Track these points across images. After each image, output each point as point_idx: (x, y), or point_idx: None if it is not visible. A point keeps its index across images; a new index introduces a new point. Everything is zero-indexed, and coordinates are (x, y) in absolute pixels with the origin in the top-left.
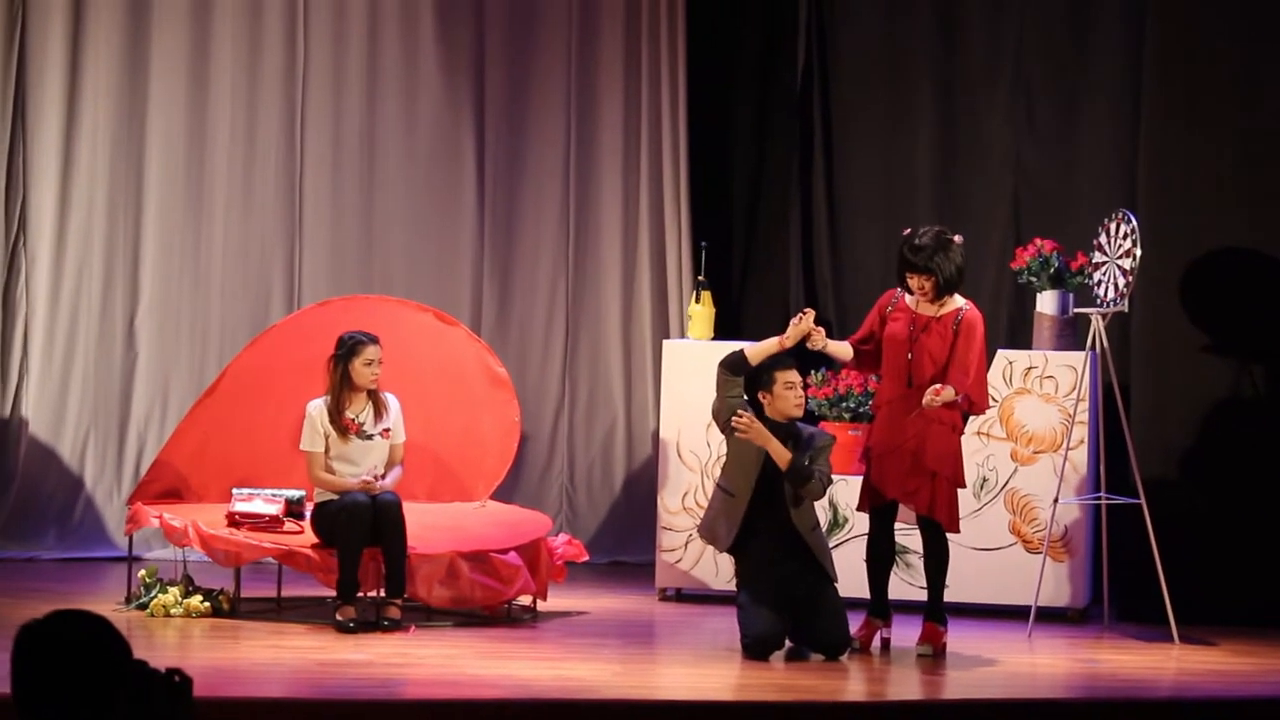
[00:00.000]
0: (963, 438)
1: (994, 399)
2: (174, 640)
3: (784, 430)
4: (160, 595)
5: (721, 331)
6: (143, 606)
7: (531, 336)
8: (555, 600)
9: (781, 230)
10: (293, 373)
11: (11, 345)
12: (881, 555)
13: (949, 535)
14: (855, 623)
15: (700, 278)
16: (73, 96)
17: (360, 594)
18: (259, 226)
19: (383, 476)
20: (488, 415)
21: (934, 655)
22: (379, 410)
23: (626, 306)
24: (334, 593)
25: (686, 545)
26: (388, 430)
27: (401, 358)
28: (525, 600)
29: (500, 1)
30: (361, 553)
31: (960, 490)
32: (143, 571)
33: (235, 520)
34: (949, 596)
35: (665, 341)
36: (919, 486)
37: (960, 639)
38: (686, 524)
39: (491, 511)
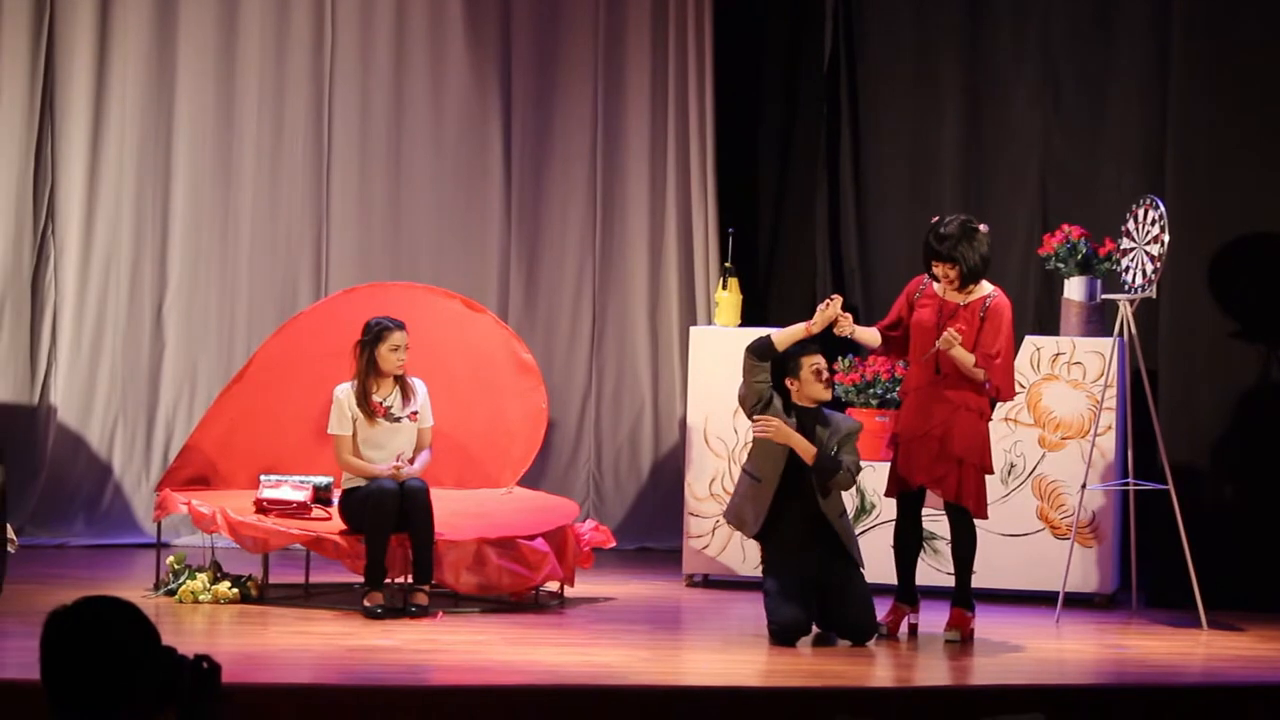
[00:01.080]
0: (991, 424)
1: (1021, 385)
2: (202, 626)
3: (811, 415)
4: (188, 581)
5: (748, 318)
6: (171, 593)
7: (558, 323)
8: (582, 586)
9: (808, 216)
10: (320, 359)
11: (40, 333)
12: (909, 542)
13: (977, 521)
14: (883, 609)
15: (727, 264)
16: (100, 86)
17: (388, 580)
18: (286, 214)
19: (411, 461)
20: (515, 402)
21: (961, 641)
22: (406, 394)
23: (653, 293)
24: (362, 579)
25: (714, 531)
26: (415, 414)
27: (429, 345)
28: (552, 586)
29: None
30: (389, 539)
31: (988, 476)
32: (171, 558)
33: (263, 507)
34: (977, 582)
35: (692, 328)
36: (946, 473)
37: (988, 625)
38: (713, 510)
39: (519, 498)
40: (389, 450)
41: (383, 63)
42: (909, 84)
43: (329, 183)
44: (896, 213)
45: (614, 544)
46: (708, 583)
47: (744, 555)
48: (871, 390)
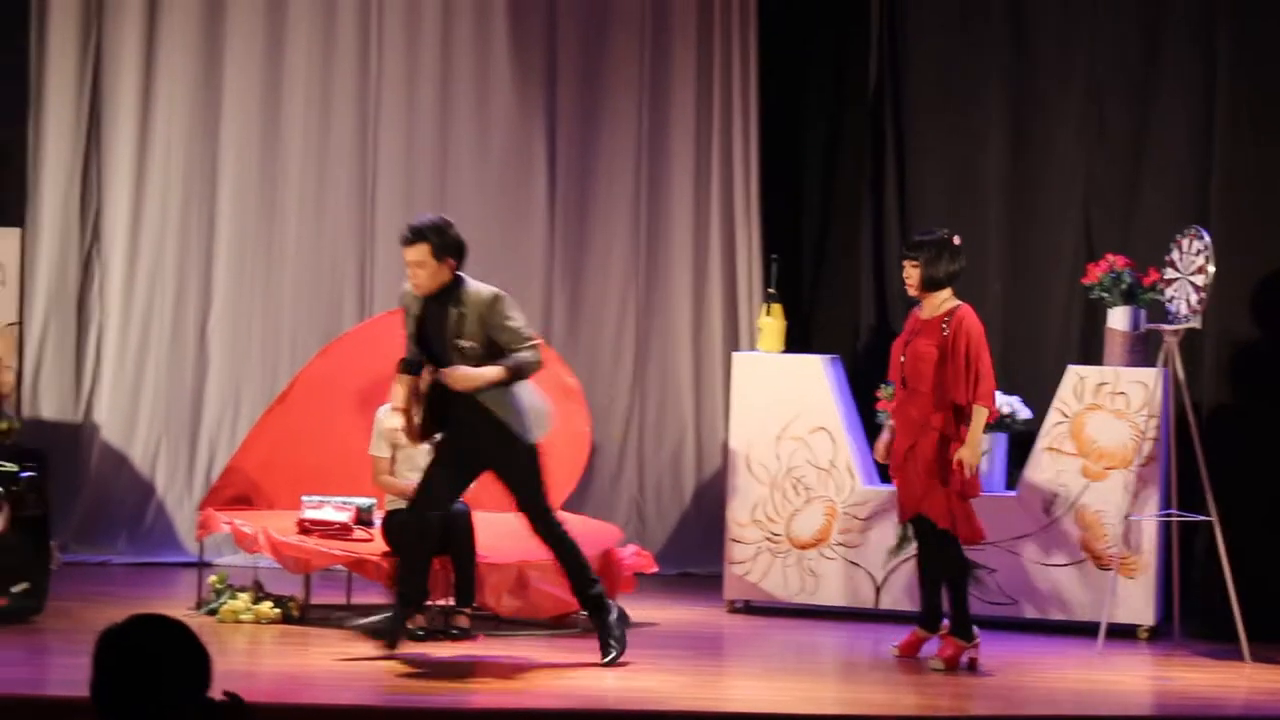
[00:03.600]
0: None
1: (1064, 414)
2: (243, 646)
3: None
4: (230, 601)
5: (792, 344)
6: (213, 612)
7: (601, 347)
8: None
9: (853, 243)
10: (363, 380)
11: (85, 351)
12: (928, 567)
13: (973, 544)
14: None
15: (770, 290)
16: (146, 107)
17: (429, 603)
18: (331, 234)
19: None
20: (558, 425)
21: (946, 669)
22: None
23: (696, 318)
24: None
25: (756, 557)
26: None
27: None
28: None
29: (572, 13)
30: (431, 561)
31: (973, 499)
32: (213, 577)
33: (305, 527)
34: (1017, 612)
35: (735, 354)
36: (924, 493)
37: (1030, 655)
38: (756, 536)
39: (561, 522)
40: None
41: (427, 83)
42: (953, 111)
43: (373, 203)
44: None
45: (656, 569)
46: (749, 608)
47: (785, 580)
48: None
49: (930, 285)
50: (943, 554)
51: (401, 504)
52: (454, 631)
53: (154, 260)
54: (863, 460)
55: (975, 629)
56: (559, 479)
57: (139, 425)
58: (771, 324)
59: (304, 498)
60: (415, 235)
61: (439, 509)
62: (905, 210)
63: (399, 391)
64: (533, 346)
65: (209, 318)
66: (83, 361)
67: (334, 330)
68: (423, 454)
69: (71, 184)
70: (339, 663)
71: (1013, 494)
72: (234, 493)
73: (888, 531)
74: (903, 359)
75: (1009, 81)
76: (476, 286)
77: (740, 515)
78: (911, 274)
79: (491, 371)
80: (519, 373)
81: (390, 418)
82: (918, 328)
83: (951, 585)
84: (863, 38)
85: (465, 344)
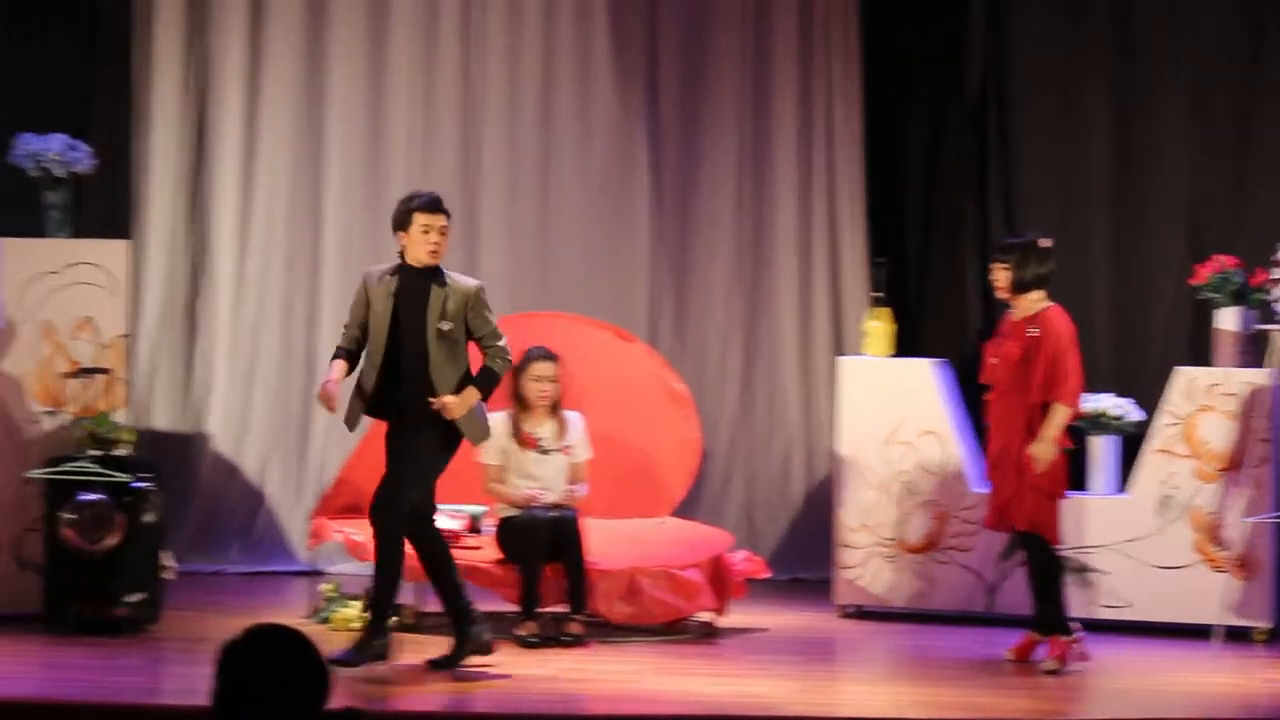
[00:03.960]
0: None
1: (1176, 416)
2: None
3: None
4: (342, 609)
5: (899, 348)
6: (325, 620)
7: (708, 353)
8: (735, 617)
9: (958, 246)
10: None
11: (195, 362)
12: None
13: (1051, 545)
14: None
15: (877, 293)
16: (252, 120)
17: (541, 610)
18: None
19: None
20: (667, 432)
21: (1059, 668)
22: (561, 427)
23: (802, 323)
24: (515, 608)
25: (867, 562)
26: (568, 448)
27: (580, 374)
28: (705, 616)
29: (674, 17)
30: (543, 569)
31: (1059, 500)
32: (325, 585)
33: None
34: (1132, 615)
35: (842, 358)
36: (1010, 496)
37: (1144, 658)
38: (866, 540)
39: (672, 528)
40: (540, 482)
41: (529, 88)
42: (1057, 112)
43: (478, 215)
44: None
45: (767, 574)
46: (861, 613)
47: (897, 585)
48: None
49: (1019, 287)
50: (1033, 555)
51: (512, 512)
52: (566, 638)
53: (262, 269)
54: (972, 463)
55: (1072, 623)
56: (669, 485)
57: (250, 434)
58: (878, 328)
59: None
60: (443, 204)
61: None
62: (1010, 211)
63: (339, 369)
64: (504, 351)
65: (318, 326)
66: (193, 372)
67: None
68: (531, 461)
69: (179, 195)
70: (450, 671)
71: (1125, 496)
72: (345, 501)
73: (999, 534)
74: (993, 361)
75: (1112, 81)
76: (455, 273)
77: (850, 520)
78: (1001, 276)
79: (475, 395)
80: (492, 386)
81: (500, 425)
82: (1008, 330)
83: (1041, 585)
84: (965, 39)
85: (446, 326)
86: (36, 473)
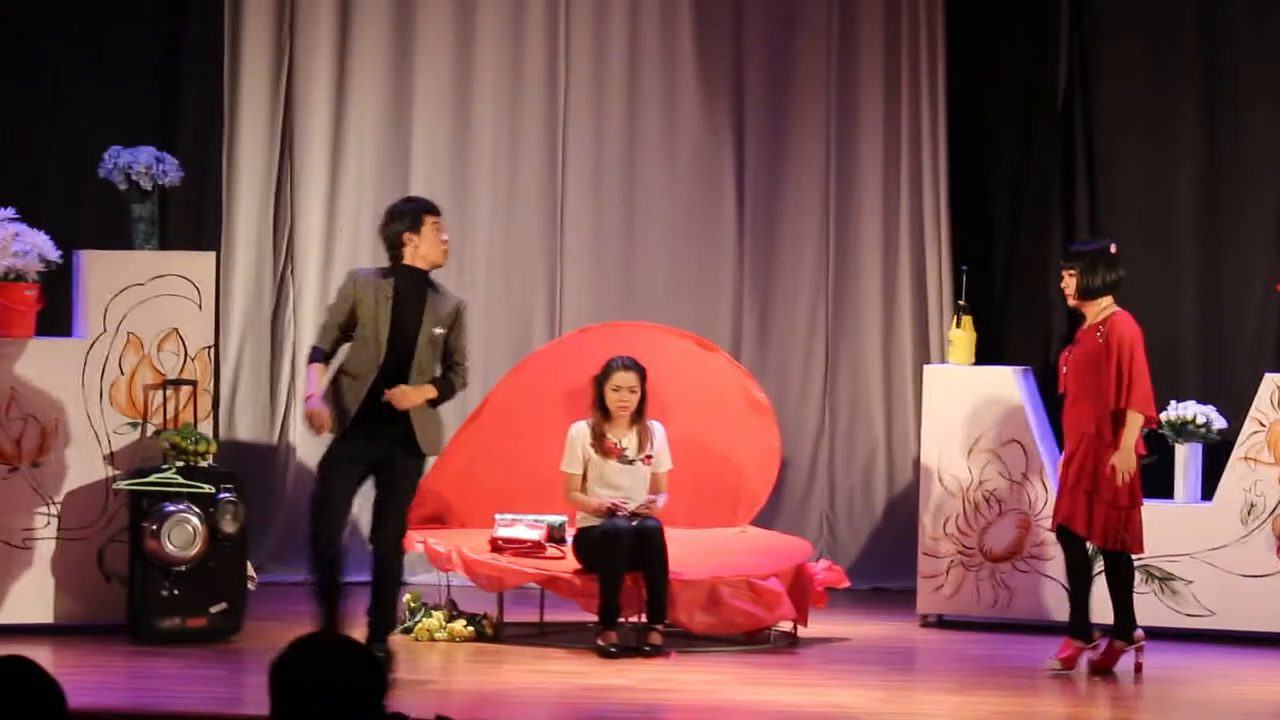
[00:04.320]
0: (1148, 456)
1: (1261, 422)
2: (438, 664)
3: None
4: (425, 619)
5: (983, 356)
6: (408, 630)
7: (791, 362)
8: (816, 626)
9: (1044, 254)
10: (554, 399)
11: (280, 372)
12: (1080, 575)
13: (1132, 555)
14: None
15: (961, 301)
16: (338, 129)
17: (622, 619)
18: (520, 254)
19: (649, 505)
20: (748, 441)
21: (1062, 669)
22: (643, 437)
23: (886, 331)
24: (596, 618)
25: (948, 571)
26: (650, 457)
27: (662, 383)
28: (786, 626)
29: (758, 24)
30: (623, 578)
31: (1140, 508)
32: (408, 596)
33: (498, 545)
34: (1216, 624)
35: (926, 366)
36: (1076, 504)
37: (1228, 667)
38: (949, 550)
39: (752, 537)
40: (621, 491)
41: (615, 102)
42: (1145, 119)
43: (563, 223)
44: (1132, 249)
45: (848, 584)
46: (942, 623)
47: (978, 596)
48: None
49: (1087, 294)
50: (1115, 567)
51: (594, 521)
52: (647, 648)
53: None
54: (1055, 472)
55: (1097, 631)
56: (750, 494)
57: None
58: (962, 336)
59: (497, 516)
60: None
61: (338, 526)
62: (1095, 220)
63: (320, 381)
64: (467, 373)
65: None
66: (277, 383)
67: (524, 348)
68: (614, 470)
69: (265, 207)
70: (533, 680)
71: (1208, 504)
72: (427, 512)
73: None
74: (1064, 370)
75: (1200, 91)
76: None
77: (932, 528)
78: (1069, 283)
79: (430, 391)
80: (447, 397)
81: (582, 434)
82: (1079, 337)
83: (1116, 593)
84: (1052, 47)
85: (439, 331)
86: (122, 484)
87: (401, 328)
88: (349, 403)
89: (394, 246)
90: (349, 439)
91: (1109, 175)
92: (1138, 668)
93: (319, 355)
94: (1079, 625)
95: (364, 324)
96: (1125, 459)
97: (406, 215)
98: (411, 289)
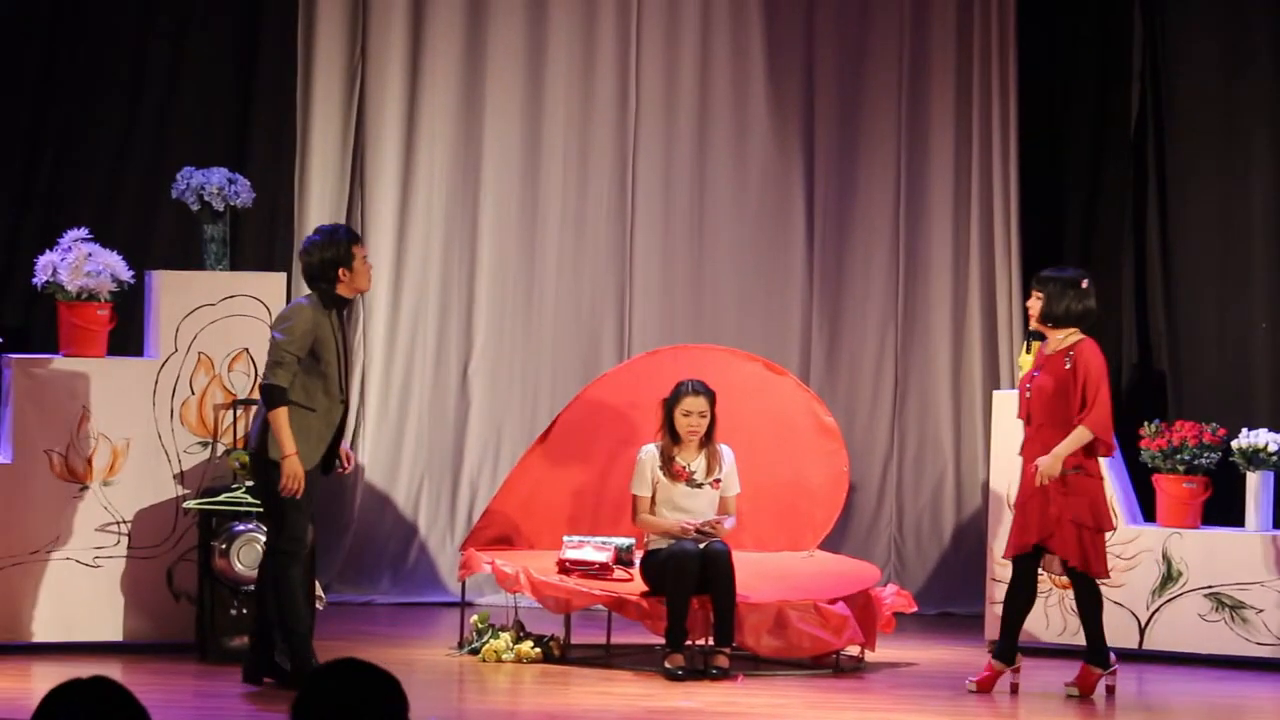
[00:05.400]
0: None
1: None
2: (505, 686)
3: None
4: (492, 641)
5: None
6: (475, 652)
7: (860, 386)
8: (884, 651)
9: (1114, 281)
10: (623, 421)
11: (349, 394)
12: (1019, 603)
13: (1099, 580)
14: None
15: (1031, 328)
16: (408, 153)
17: (689, 642)
18: (590, 277)
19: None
20: (816, 465)
21: (1081, 696)
22: (712, 460)
23: (956, 356)
24: (662, 640)
25: None
26: (718, 481)
27: (730, 407)
28: (853, 650)
29: (829, 46)
30: (690, 601)
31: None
32: (475, 617)
33: (565, 567)
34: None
35: (995, 392)
36: (1053, 532)
37: None
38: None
39: (820, 561)
40: (689, 514)
41: (685, 125)
42: (1219, 146)
43: (632, 246)
44: (1204, 279)
45: (915, 608)
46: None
47: (1047, 621)
48: (1179, 456)
49: (1049, 320)
50: (1086, 593)
51: (661, 543)
52: (713, 671)
53: (416, 302)
54: (1125, 499)
55: (1112, 655)
56: (818, 518)
57: (402, 466)
58: (1031, 360)
59: (565, 537)
60: None
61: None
62: (1167, 245)
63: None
64: None
65: (470, 359)
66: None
67: (593, 370)
68: (682, 493)
69: None
70: (599, 702)
71: (1279, 532)
72: (495, 533)
73: (1152, 570)
74: (1027, 395)
75: (1274, 114)
76: None
77: (1001, 554)
78: (1034, 305)
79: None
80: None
81: (651, 457)
82: (1042, 362)
83: (1089, 617)
84: (1125, 72)
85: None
86: (191, 503)
87: (347, 359)
88: (315, 439)
89: (325, 280)
90: (311, 476)
91: (1181, 199)
92: (1110, 690)
93: (286, 398)
94: (1010, 649)
95: (325, 360)
96: (1052, 465)
97: (334, 253)
98: (341, 321)
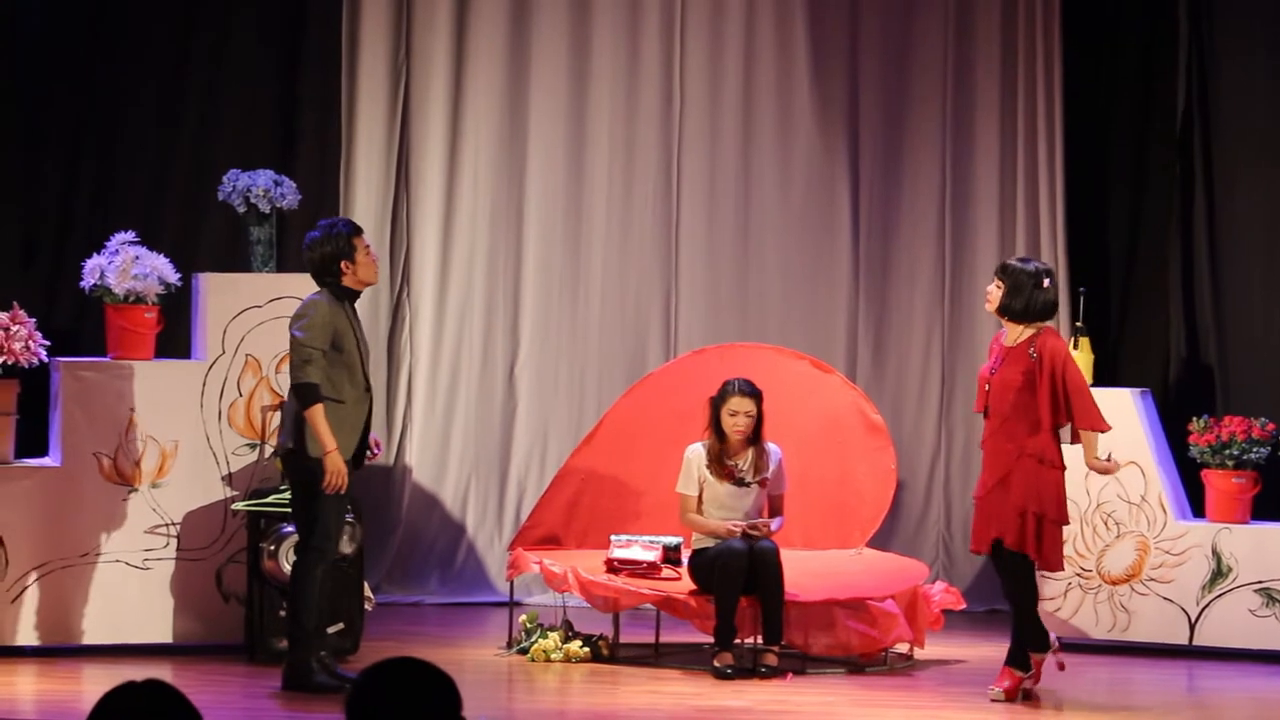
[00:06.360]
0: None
1: None
2: (554, 685)
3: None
4: (541, 640)
5: (1100, 377)
6: (523, 651)
7: (907, 383)
8: (932, 648)
9: (1161, 275)
10: (669, 421)
11: (396, 394)
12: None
13: (1050, 574)
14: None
15: (1078, 323)
16: (453, 155)
17: (738, 641)
18: (636, 276)
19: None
20: (863, 462)
21: (1006, 700)
22: (759, 459)
23: None
24: (711, 639)
25: (1065, 594)
26: (765, 480)
27: (777, 405)
28: (902, 648)
29: (873, 47)
30: (739, 600)
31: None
32: (524, 617)
33: (614, 566)
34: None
35: None
36: (1010, 524)
37: None
38: (1066, 572)
39: (868, 559)
40: (736, 513)
41: (730, 124)
42: (1266, 141)
43: (677, 245)
44: (1252, 271)
45: (964, 605)
46: (1060, 645)
47: (1096, 618)
48: (1227, 451)
49: (1007, 314)
50: (1017, 578)
51: (709, 542)
52: (762, 670)
53: (462, 302)
54: (1174, 494)
55: (1051, 635)
56: (866, 516)
57: (449, 466)
58: (1079, 357)
59: (612, 537)
60: None
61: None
62: (1215, 239)
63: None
64: None
65: (516, 359)
66: (394, 404)
67: (640, 369)
68: (728, 492)
69: (381, 229)
70: (648, 701)
71: None
72: (543, 533)
73: (1201, 566)
74: (987, 388)
75: None
76: None
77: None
78: (993, 294)
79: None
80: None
81: (698, 456)
82: (1003, 355)
83: (1022, 613)
84: (1170, 65)
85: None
86: (240, 505)
87: (366, 353)
88: (349, 430)
89: (329, 274)
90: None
91: (1227, 197)
92: (1060, 665)
93: (320, 394)
94: (1028, 646)
95: (347, 351)
96: (1106, 467)
97: (335, 247)
98: (354, 312)
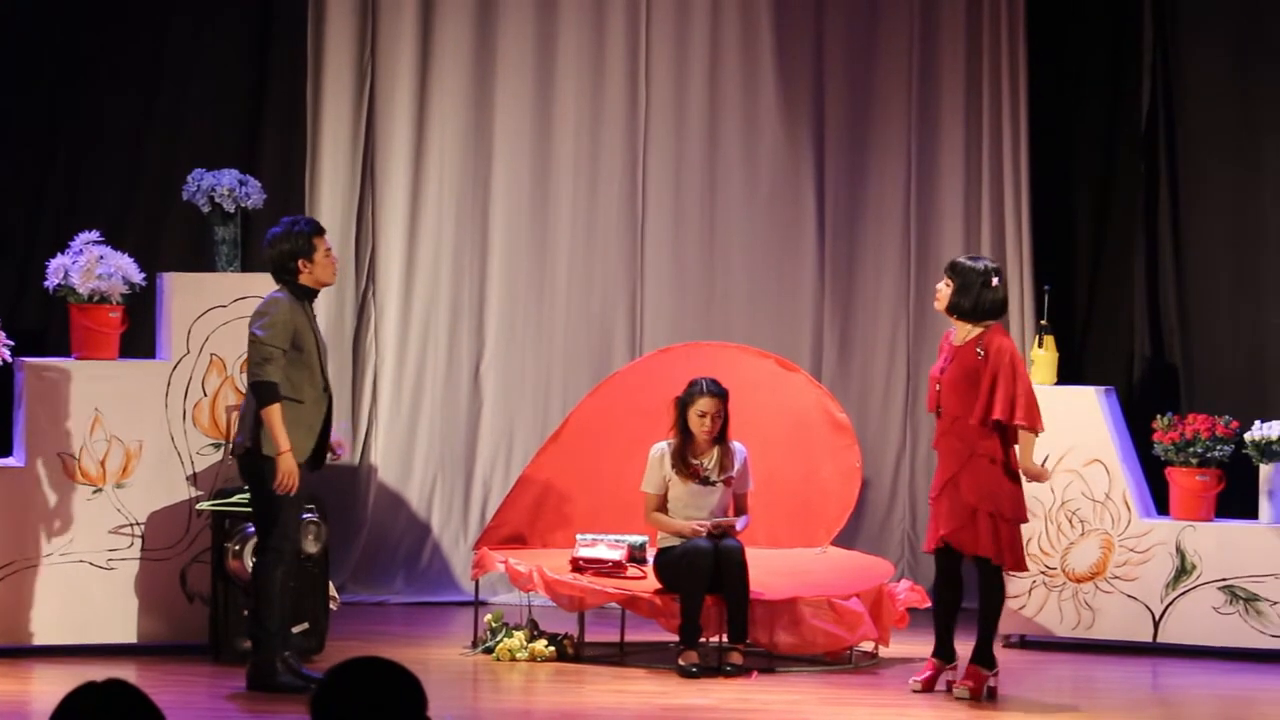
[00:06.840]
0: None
1: None
2: (519, 684)
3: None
4: (506, 639)
5: (1064, 376)
6: (489, 650)
7: (872, 382)
8: (898, 646)
9: (1126, 274)
10: (635, 419)
11: (361, 394)
12: (946, 598)
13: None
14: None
15: (1043, 321)
16: (419, 153)
17: (703, 639)
18: (601, 275)
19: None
20: (828, 461)
21: (971, 698)
22: (725, 458)
23: None
24: (677, 638)
25: (1030, 592)
26: (730, 479)
27: (743, 403)
28: (868, 646)
29: (839, 43)
30: (704, 598)
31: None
32: (489, 616)
33: (579, 565)
34: None
35: None
36: (962, 524)
37: None
38: (1031, 570)
39: (833, 557)
40: (701, 512)
41: (695, 124)
42: (1231, 139)
43: (643, 244)
44: (1217, 271)
45: (929, 603)
46: (1024, 643)
47: (1061, 616)
48: (1191, 449)
49: (955, 312)
50: (992, 588)
51: (673, 541)
52: (728, 668)
53: (427, 302)
54: (1138, 492)
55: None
56: (830, 514)
57: (415, 466)
58: (1044, 356)
59: (578, 536)
60: None
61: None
62: (1179, 239)
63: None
64: None
65: (482, 358)
66: (359, 403)
67: (605, 368)
68: (694, 491)
69: (346, 228)
70: (613, 700)
71: None
72: (508, 532)
73: (1165, 564)
74: (937, 387)
75: None
76: None
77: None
78: (942, 292)
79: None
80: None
81: (663, 455)
82: (952, 354)
83: (990, 614)
84: (1136, 63)
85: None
86: (204, 505)
87: (325, 350)
88: (305, 430)
89: (286, 271)
90: (301, 472)
91: (1192, 196)
92: (992, 691)
93: (279, 393)
94: (946, 647)
95: (307, 351)
96: (1040, 473)
97: (294, 245)
98: (313, 312)
